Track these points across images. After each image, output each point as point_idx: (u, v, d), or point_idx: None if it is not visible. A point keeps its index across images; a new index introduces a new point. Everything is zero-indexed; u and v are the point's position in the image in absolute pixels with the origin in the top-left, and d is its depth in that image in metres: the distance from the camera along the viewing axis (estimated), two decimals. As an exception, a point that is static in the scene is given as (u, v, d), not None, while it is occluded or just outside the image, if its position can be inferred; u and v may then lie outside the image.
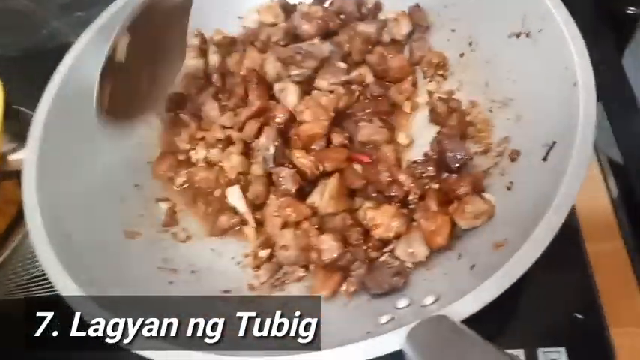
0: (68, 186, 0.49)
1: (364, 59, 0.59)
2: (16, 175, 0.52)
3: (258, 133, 0.53)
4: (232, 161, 0.54)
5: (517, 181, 0.45)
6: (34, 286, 0.59)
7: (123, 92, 0.49)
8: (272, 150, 0.51)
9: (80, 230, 0.46)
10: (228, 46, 0.64)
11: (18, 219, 0.61)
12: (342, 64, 0.58)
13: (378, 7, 0.64)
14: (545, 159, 0.42)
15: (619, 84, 0.61)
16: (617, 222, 0.56)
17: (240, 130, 0.55)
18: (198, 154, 0.57)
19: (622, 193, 0.59)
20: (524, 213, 0.39)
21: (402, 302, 0.39)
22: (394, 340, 0.31)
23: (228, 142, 0.55)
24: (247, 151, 0.55)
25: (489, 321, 0.42)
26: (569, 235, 0.53)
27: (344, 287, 0.45)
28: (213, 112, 0.58)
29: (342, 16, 0.63)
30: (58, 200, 0.47)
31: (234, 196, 0.52)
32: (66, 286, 0.39)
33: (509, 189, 0.45)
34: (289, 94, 0.56)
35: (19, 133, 0.65)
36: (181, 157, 0.58)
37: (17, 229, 0.61)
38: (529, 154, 0.45)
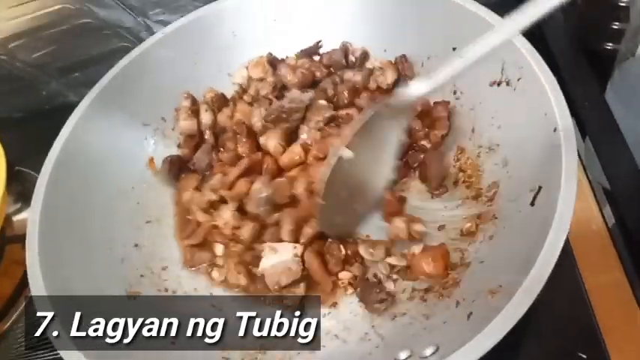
0: (70, 247, 0.50)
1: (352, 102, 0.62)
2: (21, 238, 0.52)
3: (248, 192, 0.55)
4: (225, 217, 0.55)
5: (508, 226, 0.46)
6: (42, 349, 0.58)
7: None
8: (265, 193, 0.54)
9: (84, 294, 0.47)
10: (220, 102, 0.66)
11: (24, 281, 0.60)
12: (325, 103, 0.60)
13: (365, 56, 0.66)
14: (532, 204, 0.43)
15: (603, 118, 0.63)
16: (617, 252, 0.56)
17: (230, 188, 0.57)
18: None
19: (618, 222, 0.61)
20: (516, 258, 0.40)
21: (403, 355, 0.39)
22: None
23: (222, 201, 0.56)
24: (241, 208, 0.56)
25: None
26: (567, 272, 0.53)
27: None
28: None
29: (330, 68, 0.66)
30: (59, 262, 0.48)
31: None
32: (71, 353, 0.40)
33: (500, 234, 0.46)
34: (270, 140, 0.59)
35: (22, 194, 0.67)
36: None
37: (25, 291, 0.62)
38: (518, 199, 0.46)
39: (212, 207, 0.56)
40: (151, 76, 0.63)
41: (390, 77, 0.62)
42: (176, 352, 0.44)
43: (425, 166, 0.55)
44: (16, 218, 0.68)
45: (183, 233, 0.58)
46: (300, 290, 0.50)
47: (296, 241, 0.52)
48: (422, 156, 0.57)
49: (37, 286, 0.45)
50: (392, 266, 0.51)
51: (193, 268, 0.56)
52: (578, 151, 0.63)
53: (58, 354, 0.39)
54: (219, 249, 0.56)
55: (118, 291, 0.50)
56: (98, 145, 0.59)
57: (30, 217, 0.50)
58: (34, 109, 0.86)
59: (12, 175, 0.62)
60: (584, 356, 0.48)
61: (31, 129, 0.81)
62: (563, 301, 0.51)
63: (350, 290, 0.51)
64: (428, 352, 0.37)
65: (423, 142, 0.58)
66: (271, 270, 0.51)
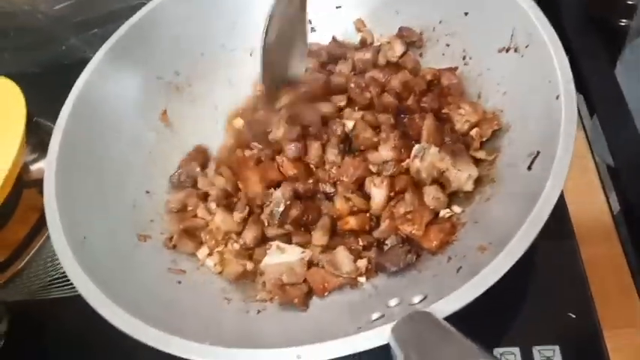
0: (84, 192, 0.52)
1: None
2: (37, 184, 0.56)
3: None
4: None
5: (505, 189, 0.47)
6: (54, 288, 0.62)
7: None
8: (282, 208, 0.52)
9: (96, 233, 0.49)
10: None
11: (38, 226, 0.64)
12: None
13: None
14: (530, 168, 0.44)
15: (611, 93, 0.63)
16: (616, 227, 0.58)
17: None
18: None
19: (619, 197, 0.61)
20: (509, 218, 0.41)
21: (393, 301, 0.41)
22: (381, 335, 0.33)
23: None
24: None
25: (487, 321, 0.44)
26: (565, 240, 0.55)
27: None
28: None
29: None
30: (75, 205, 0.50)
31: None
32: (85, 286, 0.42)
33: (497, 196, 0.47)
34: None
35: (39, 144, 0.69)
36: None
37: (38, 235, 0.65)
38: (516, 163, 0.47)
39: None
40: (166, 30, 0.64)
41: (398, 50, 0.63)
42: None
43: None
44: (33, 167, 0.71)
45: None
46: (303, 288, 0.49)
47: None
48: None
49: (54, 224, 0.47)
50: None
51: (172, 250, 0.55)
52: (585, 127, 0.65)
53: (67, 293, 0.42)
54: (202, 252, 0.54)
55: (129, 233, 0.53)
56: (112, 96, 0.60)
57: (47, 164, 0.52)
58: (53, 64, 0.88)
59: (30, 126, 0.64)
60: (574, 316, 0.50)
61: (49, 82, 0.80)
62: (559, 266, 0.53)
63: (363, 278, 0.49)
64: (416, 299, 0.39)
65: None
66: (274, 267, 0.49)
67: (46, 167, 0.52)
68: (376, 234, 0.51)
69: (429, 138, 0.53)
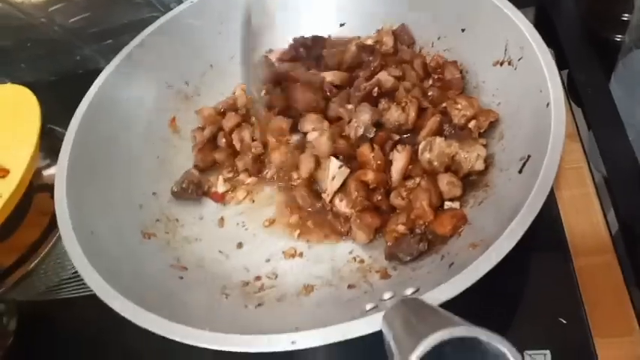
0: (93, 194, 0.55)
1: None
2: (48, 189, 0.57)
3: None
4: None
5: (497, 192, 0.49)
6: (63, 289, 0.64)
7: None
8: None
9: (103, 228, 0.51)
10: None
11: (49, 229, 0.66)
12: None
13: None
14: (520, 171, 0.46)
15: (605, 107, 0.65)
16: (611, 237, 0.59)
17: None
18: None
19: (614, 208, 0.62)
20: (500, 218, 0.43)
21: (387, 295, 0.43)
22: (373, 322, 0.35)
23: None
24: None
25: (478, 324, 0.45)
26: (558, 248, 0.56)
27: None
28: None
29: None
30: (84, 208, 0.52)
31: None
32: (94, 280, 0.44)
33: (490, 199, 0.49)
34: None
35: (52, 150, 0.70)
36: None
37: (49, 238, 0.66)
38: (508, 168, 0.49)
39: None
40: (177, 41, 0.68)
41: (390, 42, 0.66)
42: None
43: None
44: (45, 173, 0.73)
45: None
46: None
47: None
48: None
49: (65, 223, 0.49)
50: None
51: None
52: (582, 140, 0.67)
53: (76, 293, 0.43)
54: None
55: (135, 230, 0.55)
56: (123, 102, 0.63)
57: (58, 170, 0.54)
58: (68, 73, 0.91)
59: (44, 132, 0.66)
60: (564, 321, 0.51)
61: (63, 91, 0.85)
62: (552, 274, 0.54)
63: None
64: (409, 291, 0.40)
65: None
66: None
67: (58, 169, 0.54)
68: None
69: (429, 133, 0.55)
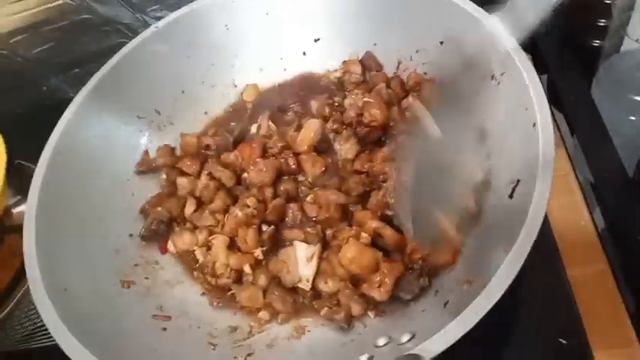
0: (66, 238, 0.52)
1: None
2: (19, 229, 0.54)
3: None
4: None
5: (488, 218, 0.47)
6: (39, 336, 0.60)
7: None
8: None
9: (77, 282, 0.48)
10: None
11: (22, 271, 0.62)
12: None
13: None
14: (511, 196, 0.45)
15: (588, 113, 0.64)
16: (602, 244, 0.58)
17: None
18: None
19: (604, 215, 0.62)
20: (493, 249, 0.41)
21: (381, 341, 0.41)
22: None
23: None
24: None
25: (477, 349, 0.44)
26: (550, 262, 0.55)
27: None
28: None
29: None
30: (55, 255, 0.50)
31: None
32: (66, 340, 0.41)
33: (481, 225, 0.47)
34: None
35: (22, 187, 0.68)
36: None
37: (22, 281, 0.63)
38: (498, 191, 0.47)
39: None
40: (145, 69, 0.65)
41: (358, 70, 0.65)
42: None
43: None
44: (15, 210, 0.70)
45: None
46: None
47: None
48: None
49: (34, 276, 0.47)
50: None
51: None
52: (566, 146, 0.66)
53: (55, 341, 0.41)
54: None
55: (113, 280, 0.52)
56: (93, 138, 0.60)
57: (27, 208, 0.52)
58: (35, 105, 0.88)
59: (12, 169, 0.63)
60: (565, 342, 0.50)
61: (31, 124, 0.80)
62: (547, 290, 0.53)
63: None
64: (404, 338, 0.39)
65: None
66: None
67: (26, 215, 0.51)
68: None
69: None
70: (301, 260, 0.50)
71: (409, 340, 0.38)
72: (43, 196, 0.53)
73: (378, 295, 0.46)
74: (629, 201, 0.58)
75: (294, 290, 0.51)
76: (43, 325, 0.59)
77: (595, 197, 0.65)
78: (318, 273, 0.50)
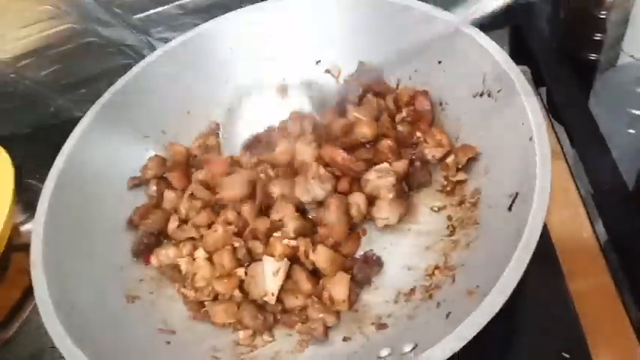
0: (72, 256, 0.53)
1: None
2: (27, 247, 0.54)
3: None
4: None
5: (487, 231, 0.48)
6: (47, 354, 0.60)
7: None
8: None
9: (84, 298, 0.49)
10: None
11: (30, 289, 0.63)
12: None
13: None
14: (510, 209, 0.45)
15: (587, 126, 0.65)
16: (604, 256, 0.58)
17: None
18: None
19: (604, 226, 0.62)
20: (494, 261, 0.42)
21: (384, 352, 0.41)
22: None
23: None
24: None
25: None
26: (552, 275, 0.55)
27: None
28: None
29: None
30: (63, 270, 0.51)
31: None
32: (74, 355, 0.42)
33: (481, 238, 0.48)
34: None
35: (29, 205, 0.69)
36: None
37: (30, 298, 0.64)
38: (497, 205, 0.48)
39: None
40: (151, 90, 0.66)
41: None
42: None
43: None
44: (23, 228, 0.71)
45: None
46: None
47: None
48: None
49: (42, 295, 0.47)
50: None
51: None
52: (566, 158, 0.67)
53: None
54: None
55: (118, 295, 0.53)
56: (100, 157, 0.61)
57: (34, 227, 0.53)
58: (42, 125, 0.90)
59: (20, 187, 0.65)
60: (568, 356, 0.49)
61: (39, 143, 0.83)
62: (549, 304, 0.53)
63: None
64: (407, 348, 0.39)
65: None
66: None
67: (33, 234, 0.52)
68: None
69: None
70: (267, 275, 0.50)
71: (411, 350, 0.39)
72: (51, 215, 0.54)
73: None
74: (629, 213, 0.59)
75: (263, 307, 0.51)
76: (50, 342, 0.61)
77: (596, 208, 0.65)
78: (284, 289, 0.51)
